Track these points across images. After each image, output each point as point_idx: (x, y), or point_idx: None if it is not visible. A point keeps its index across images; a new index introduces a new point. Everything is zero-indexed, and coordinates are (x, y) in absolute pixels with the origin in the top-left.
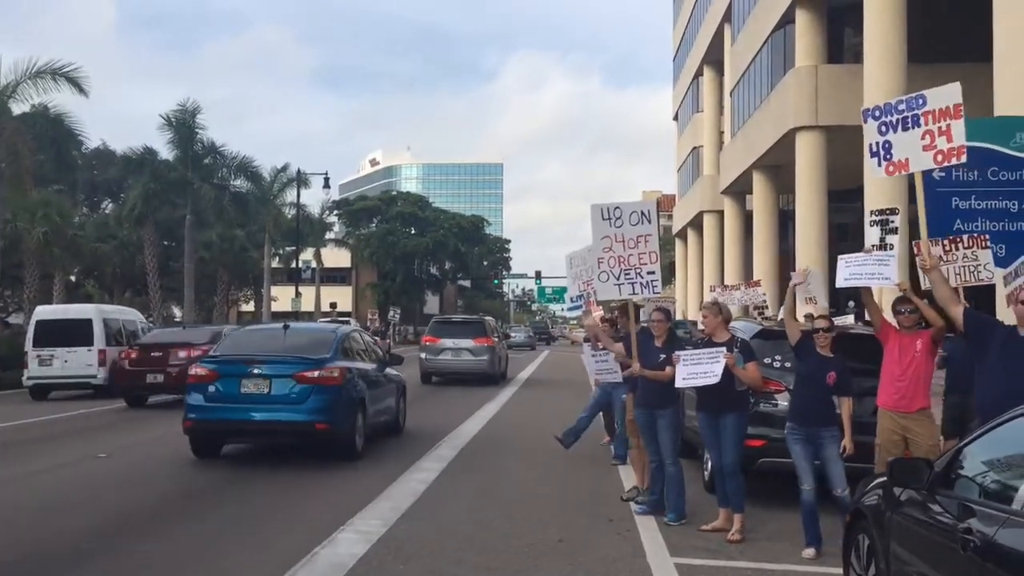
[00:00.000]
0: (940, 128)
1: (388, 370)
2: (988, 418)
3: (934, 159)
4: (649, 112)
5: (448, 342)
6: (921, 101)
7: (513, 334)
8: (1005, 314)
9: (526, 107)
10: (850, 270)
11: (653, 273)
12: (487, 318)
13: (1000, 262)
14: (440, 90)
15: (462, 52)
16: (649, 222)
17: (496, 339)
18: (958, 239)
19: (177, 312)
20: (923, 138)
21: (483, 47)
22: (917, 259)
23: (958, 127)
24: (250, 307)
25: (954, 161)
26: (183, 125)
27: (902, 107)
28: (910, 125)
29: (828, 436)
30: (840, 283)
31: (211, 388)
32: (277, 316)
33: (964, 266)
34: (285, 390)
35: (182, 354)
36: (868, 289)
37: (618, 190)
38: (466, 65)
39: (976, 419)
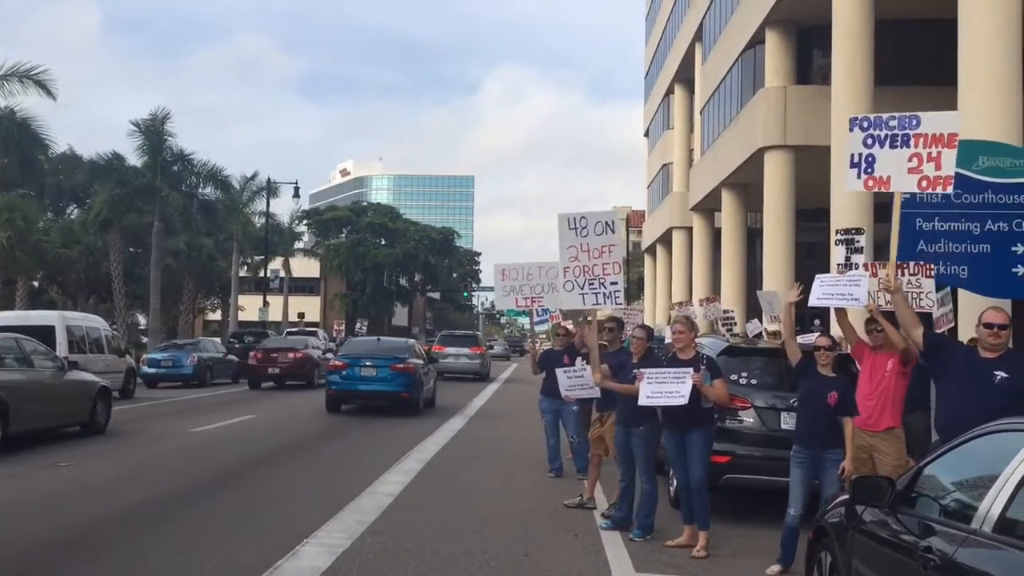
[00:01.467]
0: (930, 154)
1: (430, 365)
2: (948, 438)
3: (918, 183)
4: (625, 128)
5: (451, 350)
6: (915, 122)
7: (494, 347)
8: (964, 337)
9: (505, 121)
10: (823, 290)
11: (616, 284)
12: (478, 333)
13: (962, 283)
14: (420, 103)
15: (442, 66)
16: (613, 232)
17: (486, 348)
18: (904, 265)
19: (142, 320)
20: (910, 160)
21: (465, 61)
22: (875, 280)
23: (949, 156)
24: (216, 316)
25: (939, 189)
26: (152, 132)
27: (893, 123)
28: (899, 144)
29: (832, 459)
30: (813, 302)
31: (344, 372)
32: (244, 326)
33: (907, 292)
34: (385, 374)
35: (290, 355)
36: (843, 309)
37: (593, 204)
38: (447, 79)
39: (935, 438)
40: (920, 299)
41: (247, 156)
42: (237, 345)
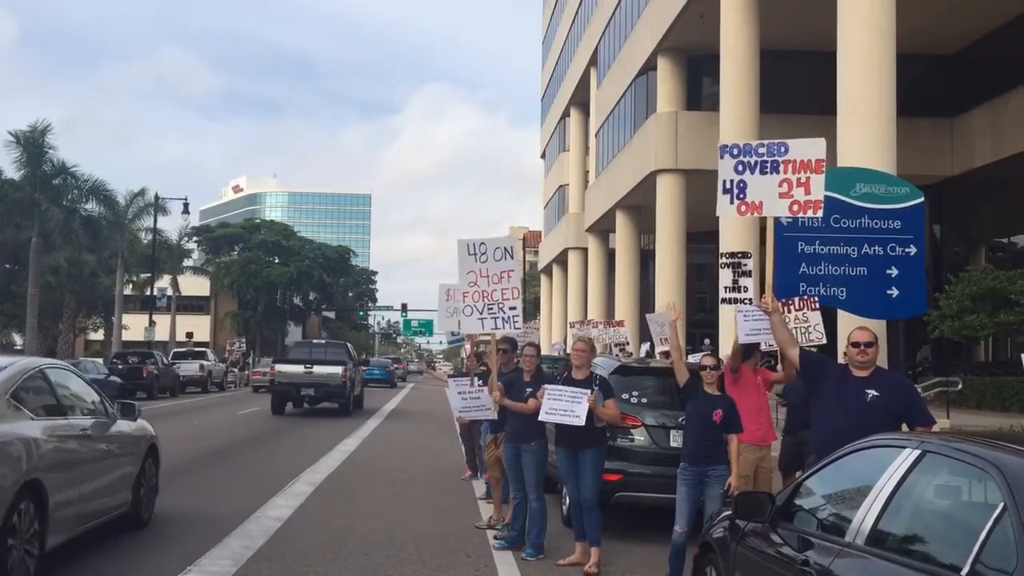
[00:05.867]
0: (799, 179)
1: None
2: (824, 454)
3: (789, 208)
4: (531, 150)
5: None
6: (783, 149)
7: (411, 366)
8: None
9: (421, 142)
10: (750, 325)
11: (515, 308)
12: (402, 356)
13: (841, 304)
14: (333, 126)
15: (356, 87)
16: (512, 258)
17: (406, 364)
18: (789, 302)
19: (18, 340)
20: (780, 185)
21: (387, 84)
22: (788, 315)
23: (818, 181)
24: (99, 336)
25: (809, 213)
26: (32, 144)
27: (762, 151)
28: (768, 170)
29: (714, 476)
30: (742, 339)
31: (367, 371)
32: (128, 346)
33: (796, 327)
34: (383, 371)
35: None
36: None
37: (504, 224)
38: (361, 101)
39: (812, 455)
40: (809, 332)
41: (146, 173)
42: (121, 366)
